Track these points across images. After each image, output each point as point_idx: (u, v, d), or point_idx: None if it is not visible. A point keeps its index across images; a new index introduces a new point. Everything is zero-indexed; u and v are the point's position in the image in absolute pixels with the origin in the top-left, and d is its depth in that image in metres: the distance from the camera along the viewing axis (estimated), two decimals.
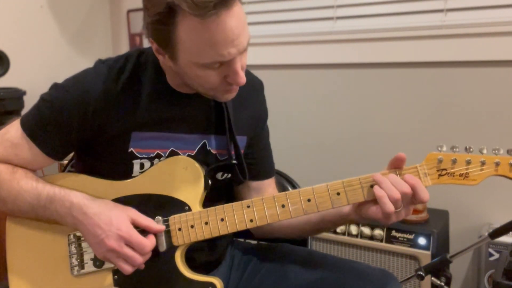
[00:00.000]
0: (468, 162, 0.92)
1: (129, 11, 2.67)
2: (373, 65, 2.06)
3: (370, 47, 2.03)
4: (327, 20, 2.15)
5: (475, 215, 1.89)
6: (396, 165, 0.95)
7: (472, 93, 1.87)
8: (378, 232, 1.77)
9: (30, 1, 2.38)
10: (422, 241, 1.69)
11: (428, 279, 1.38)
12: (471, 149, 0.93)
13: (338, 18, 2.12)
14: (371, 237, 1.78)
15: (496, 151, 0.91)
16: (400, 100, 2.02)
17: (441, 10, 1.89)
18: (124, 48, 2.75)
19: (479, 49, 1.82)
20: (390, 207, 0.90)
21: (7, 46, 2.12)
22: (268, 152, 1.22)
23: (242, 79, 0.93)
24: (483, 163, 0.91)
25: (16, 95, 2.09)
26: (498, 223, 1.66)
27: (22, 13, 2.34)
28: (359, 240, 1.80)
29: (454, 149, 0.94)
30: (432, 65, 1.94)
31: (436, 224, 1.76)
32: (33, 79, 2.29)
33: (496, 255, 1.68)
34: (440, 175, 0.94)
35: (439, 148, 0.95)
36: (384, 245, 1.76)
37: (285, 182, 1.39)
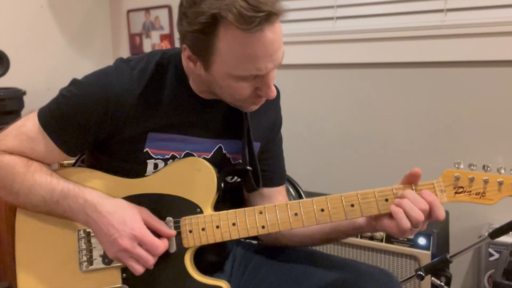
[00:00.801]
0: (486, 182, 0.91)
1: (129, 11, 2.67)
2: (373, 65, 2.06)
3: (370, 47, 2.03)
4: (327, 20, 2.15)
5: (475, 215, 1.89)
6: (411, 181, 0.94)
7: (472, 93, 1.87)
8: (378, 232, 1.77)
9: (30, 1, 2.38)
10: (422, 241, 1.69)
11: (428, 279, 1.38)
12: (489, 168, 0.92)
13: (338, 18, 2.12)
14: (371, 237, 1.78)
15: None
16: (400, 100, 2.02)
17: (441, 10, 1.89)
18: (124, 48, 2.75)
19: (479, 49, 1.82)
20: (406, 222, 0.89)
21: (7, 46, 2.12)
22: (280, 159, 1.22)
23: (273, 92, 0.94)
24: (500, 183, 0.91)
25: (16, 95, 2.09)
26: (498, 223, 1.66)
27: (22, 13, 2.35)
28: (359, 240, 1.80)
29: (472, 167, 0.93)
30: (432, 65, 1.94)
31: (436, 224, 1.75)
32: (33, 79, 2.29)
33: (496, 255, 1.68)
34: (456, 192, 0.93)
35: (456, 165, 0.93)
36: (384, 245, 1.76)
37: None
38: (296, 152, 2.23)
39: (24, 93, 2.12)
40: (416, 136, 1.99)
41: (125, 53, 2.74)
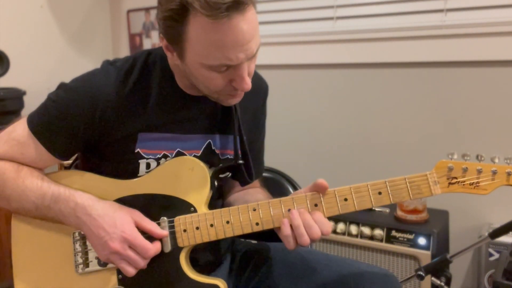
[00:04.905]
0: (479, 171, 0.89)
1: (129, 11, 2.67)
2: (373, 65, 2.06)
3: (370, 47, 2.03)
4: (327, 20, 2.15)
5: (475, 215, 1.89)
6: (317, 191, 0.95)
7: (472, 93, 1.87)
8: (378, 232, 1.77)
9: (30, 1, 2.38)
10: (422, 241, 1.69)
11: (428, 279, 1.38)
12: (483, 158, 0.90)
13: (338, 18, 2.12)
14: (371, 237, 1.78)
15: (508, 161, 0.89)
16: (400, 100, 2.02)
17: (441, 10, 1.89)
18: (124, 48, 2.75)
19: (479, 49, 1.82)
20: (287, 230, 0.93)
21: (7, 46, 2.12)
22: (261, 154, 1.22)
23: (248, 85, 0.92)
24: (494, 173, 0.89)
25: (16, 95, 2.09)
26: (498, 223, 1.66)
27: (22, 13, 2.35)
28: (359, 240, 1.80)
29: (465, 157, 0.91)
30: (432, 65, 1.94)
31: (436, 224, 1.76)
32: (33, 79, 2.30)
33: (496, 255, 1.68)
34: (450, 183, 0.92)
35: (450, 156, 0.92)
36: (384, 245, 1.76)
37: (285, 182, 1.40)
38: (296, 152, 2.23)
39: (24, 93, 2.12)
40: (417, 136, 1.99)
41: (125, 53, 2.74)
